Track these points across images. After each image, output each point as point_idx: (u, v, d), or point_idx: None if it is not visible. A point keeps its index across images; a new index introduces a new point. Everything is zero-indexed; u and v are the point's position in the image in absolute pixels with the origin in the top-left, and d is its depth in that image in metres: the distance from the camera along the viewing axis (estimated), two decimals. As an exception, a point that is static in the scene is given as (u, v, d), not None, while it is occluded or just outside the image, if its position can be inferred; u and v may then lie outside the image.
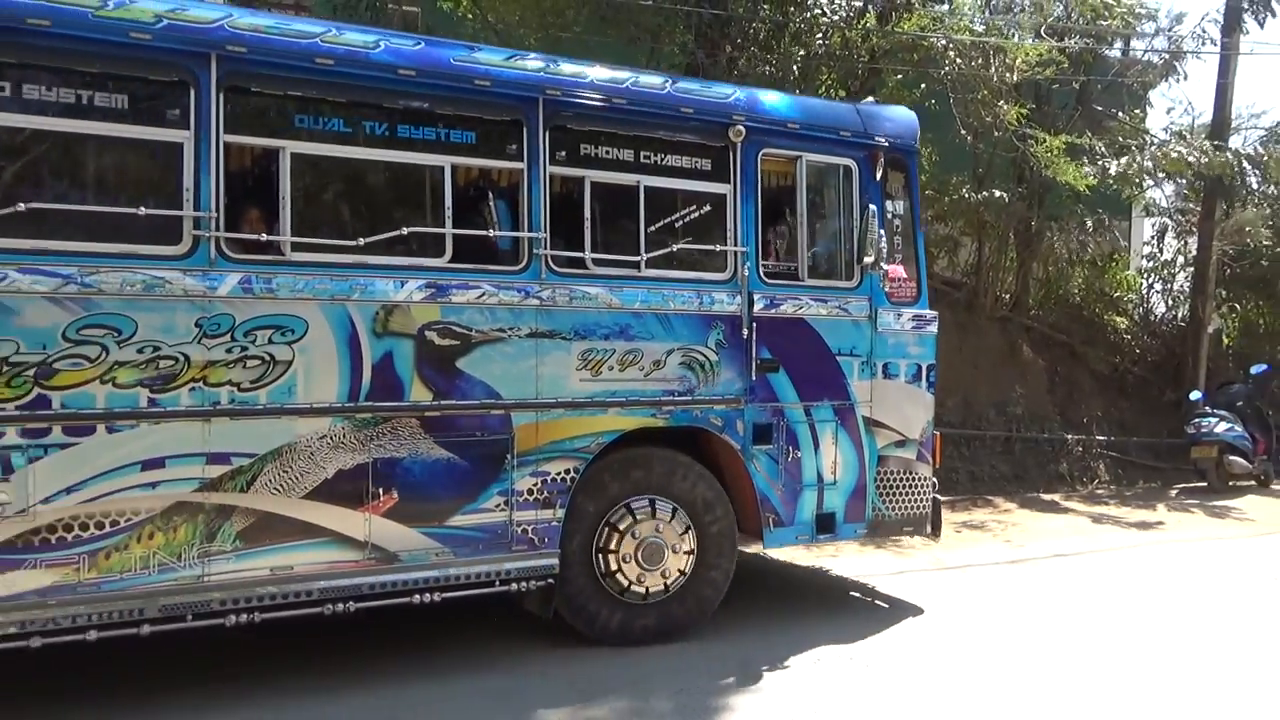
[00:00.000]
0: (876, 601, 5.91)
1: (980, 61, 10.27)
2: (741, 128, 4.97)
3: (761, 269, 5.08)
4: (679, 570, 4.92)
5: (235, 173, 4.07)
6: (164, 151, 3.89)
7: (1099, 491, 10.87)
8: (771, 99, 5.31)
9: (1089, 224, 12.73)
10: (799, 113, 5.30)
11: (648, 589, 4.85)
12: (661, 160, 4.87)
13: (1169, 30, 12.71)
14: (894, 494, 5.54)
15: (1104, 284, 13.48)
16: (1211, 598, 6.24)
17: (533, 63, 4.67)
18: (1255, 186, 13.45)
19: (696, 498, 4.99)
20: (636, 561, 4.79)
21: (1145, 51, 12.89)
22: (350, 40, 4.23)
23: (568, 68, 4.72)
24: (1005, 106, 9.99)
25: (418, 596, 4.30)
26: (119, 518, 3.75)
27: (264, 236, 4.03)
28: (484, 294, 4.39)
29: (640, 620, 4.88)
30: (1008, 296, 12.28)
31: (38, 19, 3.57)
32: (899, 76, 10.80)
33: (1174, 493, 10.90)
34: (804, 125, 5.22)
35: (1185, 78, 12.74)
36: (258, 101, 4.11)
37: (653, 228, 4.84)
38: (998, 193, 11.09)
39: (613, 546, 4.76)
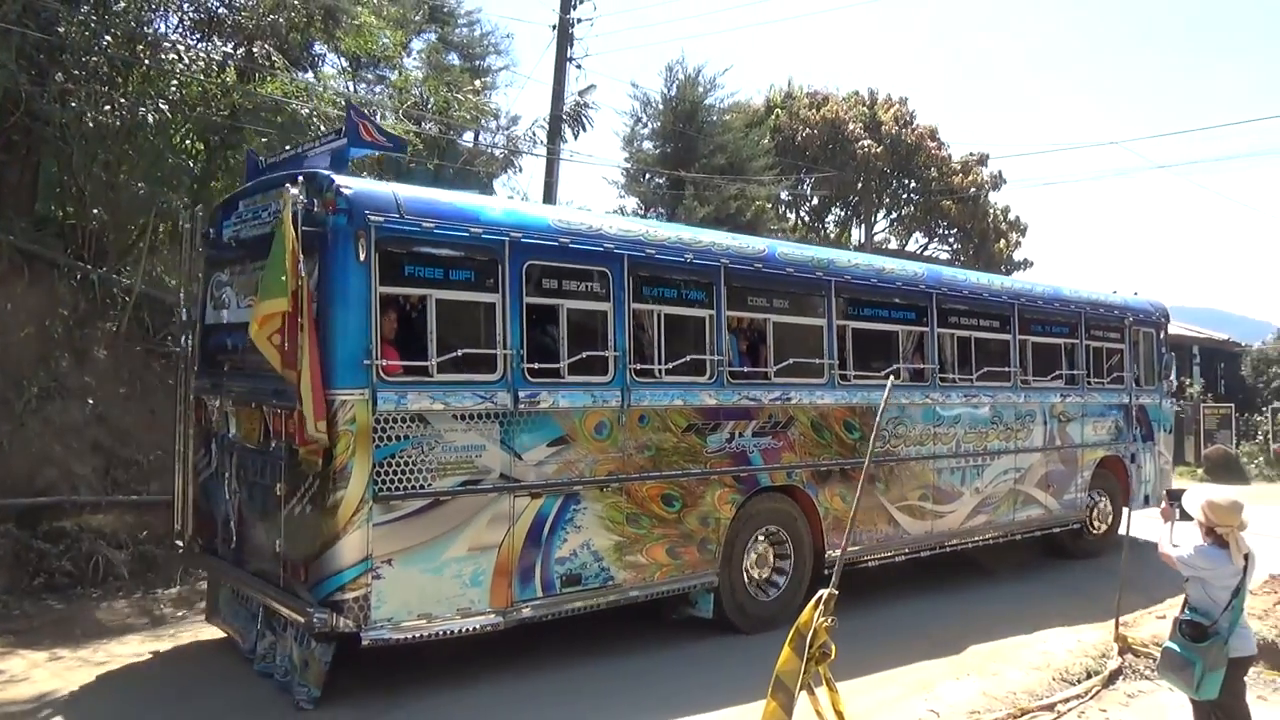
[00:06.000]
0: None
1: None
2: (1130, 318, 11.00)
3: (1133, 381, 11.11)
4: (1110, 518, 10.81)
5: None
6: (999, 346, 9.38)
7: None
8: (1135, 302, 11.41)
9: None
10: (1142, 307, 11.44)
11: (1095, 532, 10.70)
12: (1105, 334, 10.79)
13: (508, 129, 14.84)
14: (1163, 485, 11.68)
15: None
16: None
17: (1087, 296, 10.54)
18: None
19: (1116, 488, 10.89)
20: (1099, 518, 10.63)
21: (490, 146, 14.80)
22: (1078, 296, 9.91)
23: (1100, 302, 10.64)
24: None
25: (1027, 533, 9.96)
26: (998, 492, 9.20)
27: (1022, 374, 9.59)
28: (1069, 397, 10.15)
29: (1091, 548, 10.69)
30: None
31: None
32: (264, 139, 10.31)
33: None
34: (1143, 314, 11.35)
35: (521, 170, 15.13)
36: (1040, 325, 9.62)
37: (1106, 364, 10.74)
38: None
39: (1092, 512, 10.58)
